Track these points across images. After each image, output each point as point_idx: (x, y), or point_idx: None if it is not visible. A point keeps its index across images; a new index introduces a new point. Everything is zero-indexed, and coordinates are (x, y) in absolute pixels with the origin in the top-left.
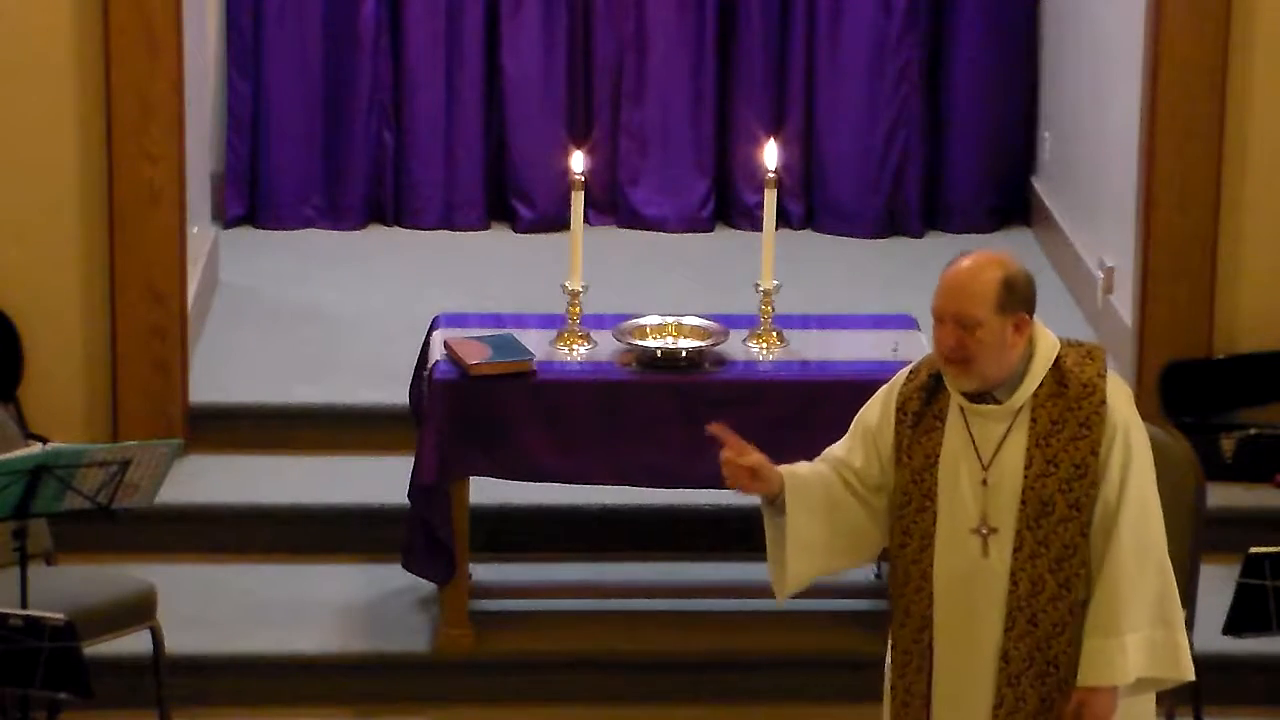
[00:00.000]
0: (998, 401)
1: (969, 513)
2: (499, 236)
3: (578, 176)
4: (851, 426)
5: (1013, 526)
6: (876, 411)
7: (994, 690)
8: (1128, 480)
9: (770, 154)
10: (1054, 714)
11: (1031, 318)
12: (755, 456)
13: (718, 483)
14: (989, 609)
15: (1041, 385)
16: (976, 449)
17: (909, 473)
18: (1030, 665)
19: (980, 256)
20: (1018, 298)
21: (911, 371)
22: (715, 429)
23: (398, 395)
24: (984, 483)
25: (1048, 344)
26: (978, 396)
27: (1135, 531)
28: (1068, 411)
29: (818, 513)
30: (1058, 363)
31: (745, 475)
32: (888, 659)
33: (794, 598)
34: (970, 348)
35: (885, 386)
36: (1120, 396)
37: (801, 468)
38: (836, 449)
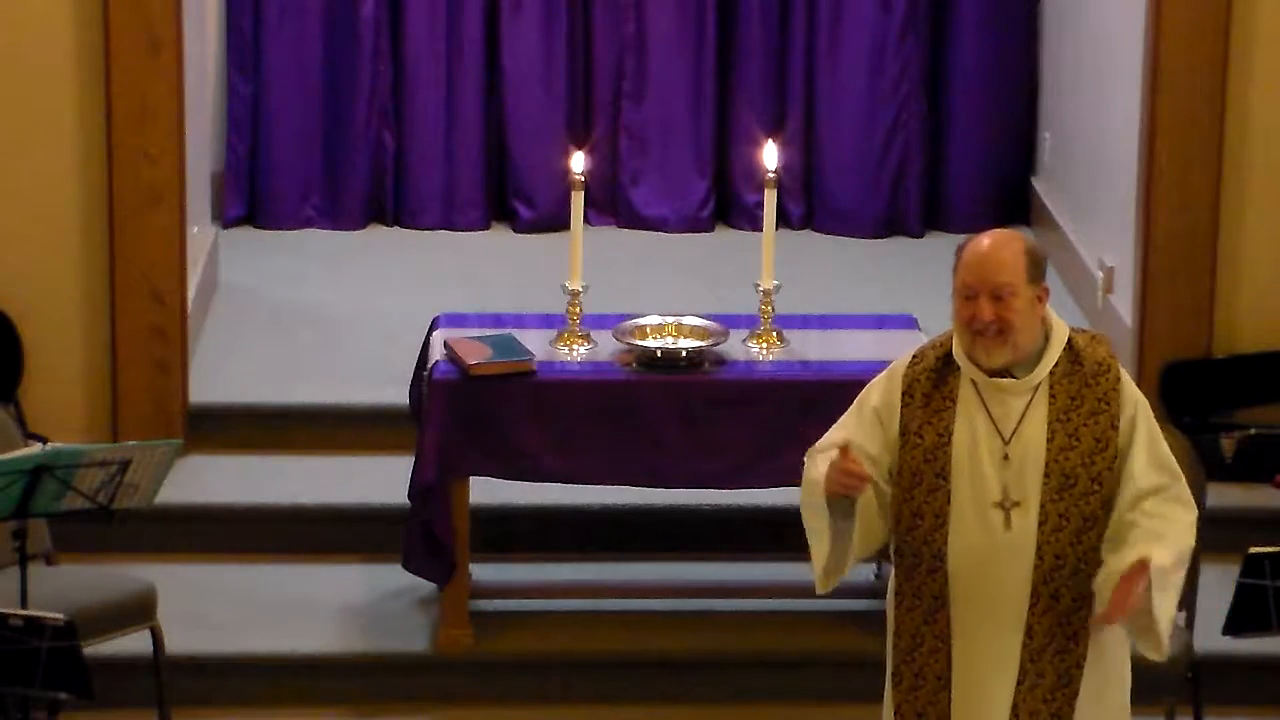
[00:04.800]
0: (1015, 377)
1: (990, 488)
2: (499, 236)
3: (578, 176)
4: (855, 410)
5: (1036, 500)
6: (879, 396)
7: (1017, 666)
8: (1157, 452)
9: (770, 154)
10: (1072, 690)
11: (1048, 291)
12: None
13: (717, 483)
14: (1013, 584)
15: (1057, 363)
16: (996, 425)
17: (921, 452)
18: (1051, 641)
19: (999, 232)
20: (1040, 269)
21: (915, 356)
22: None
23: (398, 395)
24: (1005, 458)
25: (1060, 324)
26: (997, 372)
27: (1173, 507)
28: (1085, 388)
29: (863, 515)
30: (1070, 343)
31: (859, 484)
32: (889, 645)
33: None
34: (1008, 317)
35: (884, 373)
36: (1128, 377)
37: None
38: (853, 436)
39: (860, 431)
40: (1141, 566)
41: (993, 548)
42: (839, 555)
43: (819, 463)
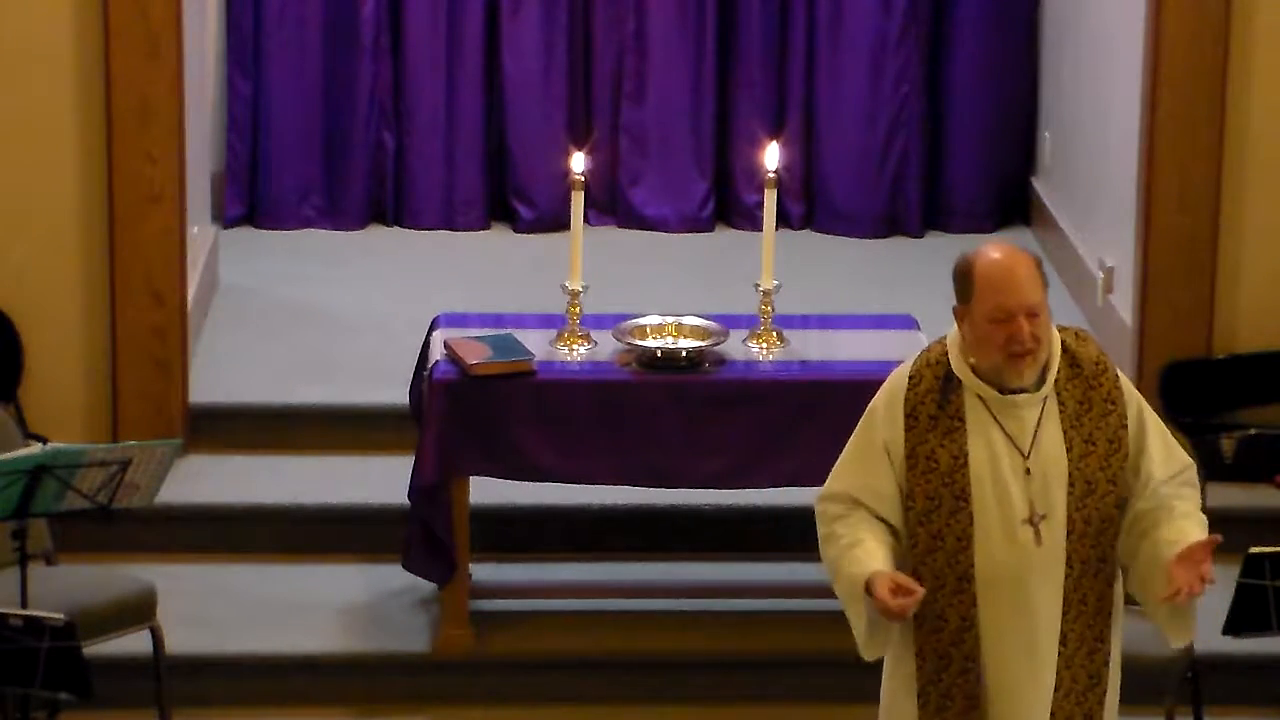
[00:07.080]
0: (1026, 390)
1: (1017, 505)
2: (499, 236)
3: (578, 176)
4: (863, 448)
5: (1063, 510)
6: (884, 429)
7: (1054, 676)
8: (1168, 442)
9: (770, 154)
10: (1101, 689)
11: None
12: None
13: (718, 482)
14: (1046, 595)
15: (1058, 369)
16: (1013, 441)
17: (937, 477)
18: (1082, 644)
19: (1004, 248)
20: (1044, 275)
21: (912, 378)
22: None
23: (398, 395)
24: (1027, 472)
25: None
26: (1010, 388)
27: (1192, 490)
28: (1089, 391)
29: None
30: (1064, 346)
31: (909, 609)
32: (899, 665)
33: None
34: (1040, 335)
35: (883, 398)
36: (1119, 371)
37: (883, 547)
38: (871, 483)
39: (875, 475)
40: (1212, 541)
41: (1025, 564)
42: (881, 635)
43: (857, 558)
